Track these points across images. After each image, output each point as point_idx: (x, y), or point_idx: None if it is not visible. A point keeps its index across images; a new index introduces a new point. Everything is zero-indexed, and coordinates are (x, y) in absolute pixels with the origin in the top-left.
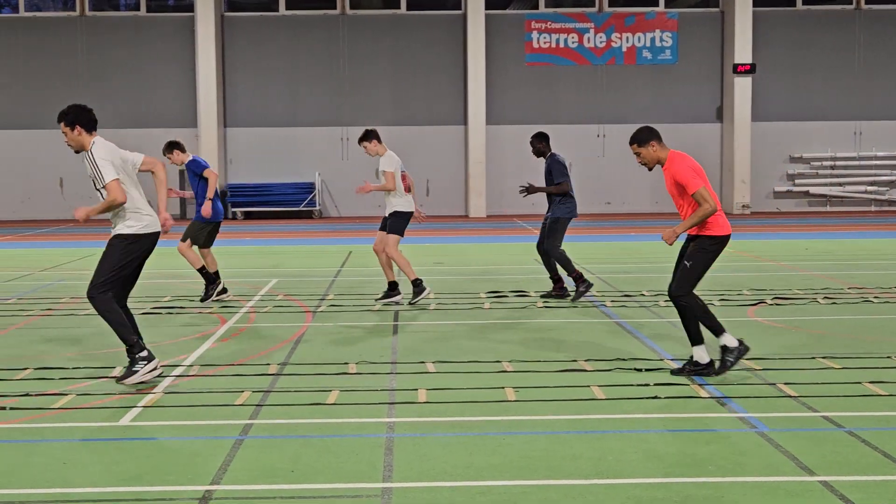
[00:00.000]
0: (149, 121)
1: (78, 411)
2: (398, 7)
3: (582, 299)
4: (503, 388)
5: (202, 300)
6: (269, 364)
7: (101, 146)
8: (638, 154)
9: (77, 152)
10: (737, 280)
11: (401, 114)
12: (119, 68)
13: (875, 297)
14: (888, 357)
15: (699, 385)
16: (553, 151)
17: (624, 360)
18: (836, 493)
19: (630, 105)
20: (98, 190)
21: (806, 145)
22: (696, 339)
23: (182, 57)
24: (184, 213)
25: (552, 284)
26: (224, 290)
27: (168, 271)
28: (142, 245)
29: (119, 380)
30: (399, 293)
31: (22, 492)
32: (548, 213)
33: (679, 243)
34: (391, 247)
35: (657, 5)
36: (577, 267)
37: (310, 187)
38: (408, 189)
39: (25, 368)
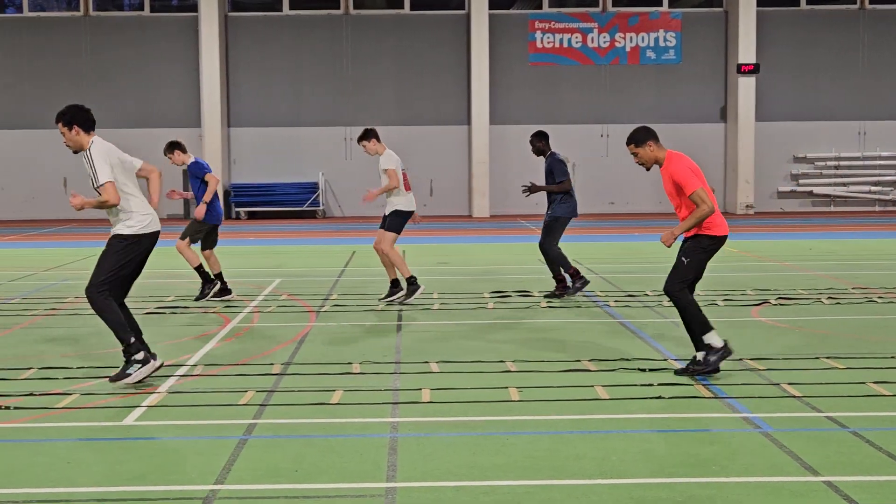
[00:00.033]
0: (152, 121)
1: (82, 411)
2: (402, 7)
3: (585, 299)
4: (507, 388)
5: (196, 299)
6: (272, 364)
7: (99, 146)
8: (635, 154)
9: (75, 152)
10: (740, 280)
11: (404, 114)
12: (123, 68)
13: (879, 298)
14: (892, 357)
15: (703, 385)
16: (553, 150)
17: (627, 360)
18: (840, 493)
19: (634, 105)
20: (95, 189)
21: (810, 145)
22: (703, 329)
23: (186, 57)
24: (187, 213)
25: (555, 284)
26: (228, 291)
27: (171, 271)
28: (142, 245)
29: (111, 379)
30: (402, 289)
31: (26, 491)
32: (548, 211)
33: (678, 244)
34: (386, 243)
35: (661, 5)
36: (573, 264)
37: (313, 187)
38: (408, 187)
39: (29, 368)
